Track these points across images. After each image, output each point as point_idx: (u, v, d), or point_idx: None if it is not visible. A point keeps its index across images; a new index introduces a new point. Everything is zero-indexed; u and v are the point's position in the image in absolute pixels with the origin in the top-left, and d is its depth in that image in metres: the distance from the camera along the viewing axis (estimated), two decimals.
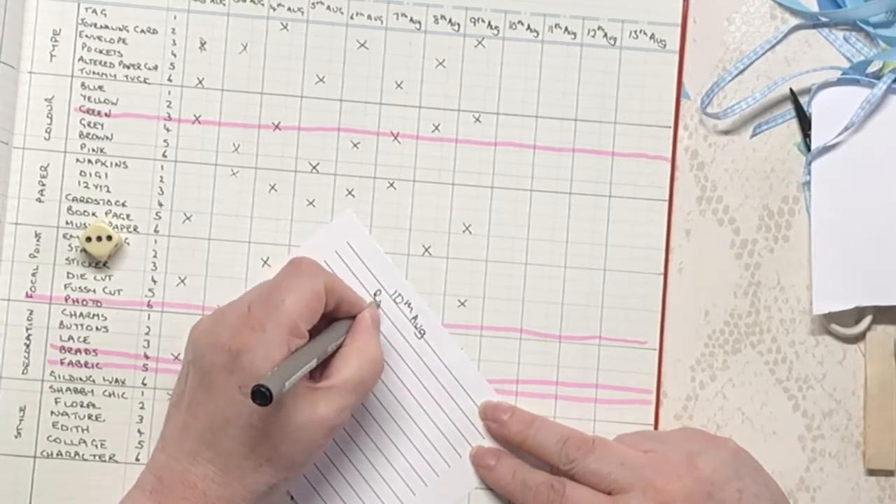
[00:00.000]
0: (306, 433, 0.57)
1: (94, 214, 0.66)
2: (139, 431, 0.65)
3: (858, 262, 0.65)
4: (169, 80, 0.66)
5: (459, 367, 0.65)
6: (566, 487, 0.61)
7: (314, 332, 0.59)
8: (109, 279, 0.65)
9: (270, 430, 0.56)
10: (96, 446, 0.65)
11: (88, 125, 0.66)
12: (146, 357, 0.65)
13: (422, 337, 0.65)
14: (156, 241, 0.66)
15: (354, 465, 0.64)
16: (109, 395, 0.65)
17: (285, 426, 0.56)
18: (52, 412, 0.65)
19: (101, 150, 0.66)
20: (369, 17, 0.67)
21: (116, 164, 0.66)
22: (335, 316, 0.62)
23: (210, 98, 0.66)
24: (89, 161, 0.66)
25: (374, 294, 0.65)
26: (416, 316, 0.65)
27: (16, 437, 0.65)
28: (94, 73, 0.66)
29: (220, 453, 0.56)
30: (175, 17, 0.66)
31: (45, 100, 0.66)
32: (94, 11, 0.66)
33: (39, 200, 0.66)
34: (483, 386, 0.65)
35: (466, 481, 0.65)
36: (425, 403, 0.65)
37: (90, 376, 0.65)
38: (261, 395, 0.52)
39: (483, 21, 0.67)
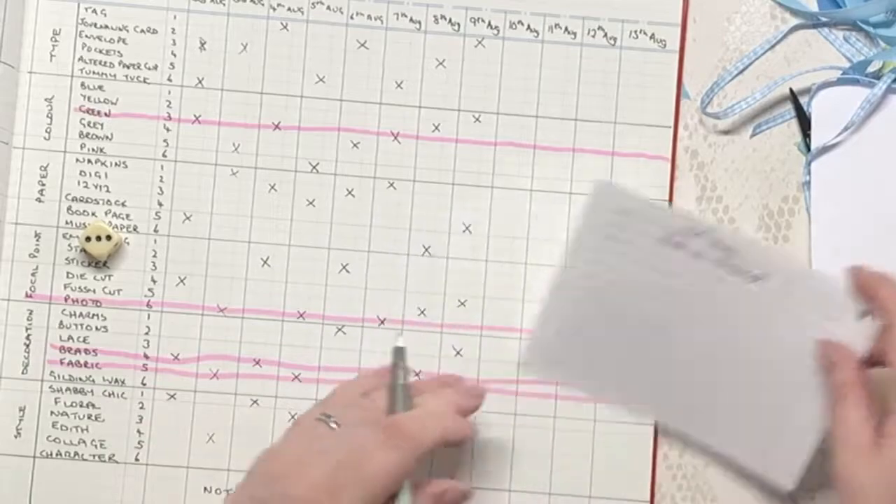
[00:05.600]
0: None
1: (93, 214, 0.66)
2: (139, 431, 0.65)
3: (858, 262, 0.65)
4: (169, 80, 0.66)
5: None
6: None
7: None
8: (109, 279, 0.65)
9: None
10: (96, 446, 0.65)
11: (88, 125, 0.66)
12: (146, 357, 0.65)
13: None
14: (156, 241, 0.66)
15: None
16: (109, 395, 0.65)
17: None
18: (51, 412, 0.65)
19: (101, 150, 0.66)
20: (369, 17, 0.67)
21: (116, 164, 0.66)
22: None
23: (210, 98, 0.66)
24: (89, 161, 0.66)
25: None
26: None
27: (15, 436, 0.65)
28: (94, 72, 0.66)
29: None
30: (175, 17, 0.67)
31: (45, 100, 0.66)
32: (94, 11, 0.66)
33: (39, 200, 0.66)
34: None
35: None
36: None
37: (90, 376, 0.65)
38: None
39: (483, 21, 0.67)
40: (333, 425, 0.55)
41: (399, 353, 0.60)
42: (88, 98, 0.66)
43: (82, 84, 0.66)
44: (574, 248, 0.63)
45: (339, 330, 0.66)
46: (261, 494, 0.54)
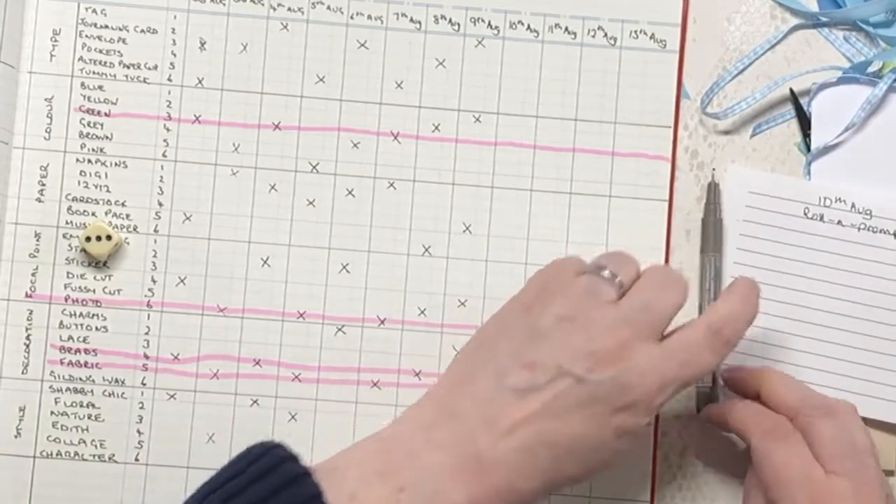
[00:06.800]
0: None
1: (93, 214, 0.66)
2: (139, 431, 0.65)
3: None
4: (169, 79, 0.66)
5: None
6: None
7: None
8: (109, 279, 0.65)
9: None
10: (96, 446, 0.65)
11: (88, 125, 0.66)
12: (146, 357, 0.65)
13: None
14: (155, 241, 0.66)
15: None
16: (109, 395, 0.65)
17: None
18: (51, 412, 0.65)
19: (101, 150, 0.66)
20: (369, 17, 0.67)
21: (116, 164, 0.66)
22: None
23: (210, 98, 0.66)
24: (89, 161, 0.66)
25: None
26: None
27: (15, 437, 0.65)
28: (93, 72, 0.66)
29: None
30: (175, 17, 0.67)
31: (45, 100, 0.66)
32: (94, 11, 0.66)
33: (39, 200, 0.66)
34: None
35: None
36: None
37: (90, 376, 0.65)
38: None
39: (483, 21, 0.67)
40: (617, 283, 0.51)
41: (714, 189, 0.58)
42: (88, 98, 0.66)
43: (82, 84, 0.66)
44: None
45: (339, 330, 0.66)
46: (577, 372, 0.48)
